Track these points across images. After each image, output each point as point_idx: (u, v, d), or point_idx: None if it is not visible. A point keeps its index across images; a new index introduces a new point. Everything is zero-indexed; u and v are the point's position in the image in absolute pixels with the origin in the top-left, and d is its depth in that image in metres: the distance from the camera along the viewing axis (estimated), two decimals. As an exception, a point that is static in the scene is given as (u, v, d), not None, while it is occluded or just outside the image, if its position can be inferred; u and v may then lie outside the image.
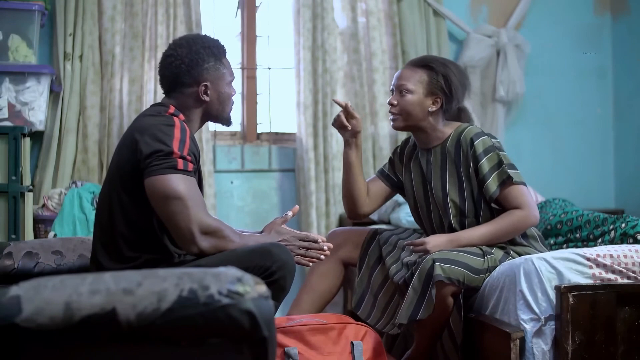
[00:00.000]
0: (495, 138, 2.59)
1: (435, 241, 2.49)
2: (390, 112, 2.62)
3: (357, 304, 2.73)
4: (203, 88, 2.19)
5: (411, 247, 2.52)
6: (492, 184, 2.50)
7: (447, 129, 2.61)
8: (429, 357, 2.53)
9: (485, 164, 2.50)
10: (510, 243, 2.58)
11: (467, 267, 2.39)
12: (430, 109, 2.57)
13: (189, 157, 2.05)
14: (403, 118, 2.59)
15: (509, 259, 2.50)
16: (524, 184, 2.54)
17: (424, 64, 2.60)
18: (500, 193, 2.50)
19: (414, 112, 2.57)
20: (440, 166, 2.60)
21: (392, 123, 2.63)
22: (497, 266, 2.47)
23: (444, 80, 2.56)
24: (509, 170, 2.49)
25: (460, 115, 2.70)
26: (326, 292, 2.73)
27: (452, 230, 2.57)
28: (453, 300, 2.40)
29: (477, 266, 2.42)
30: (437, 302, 2.33)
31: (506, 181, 2.49)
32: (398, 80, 2.60)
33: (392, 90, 2.63)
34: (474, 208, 2.55)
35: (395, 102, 2.58)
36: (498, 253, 2.52)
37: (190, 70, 2.18)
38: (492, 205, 2.54)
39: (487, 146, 2.52)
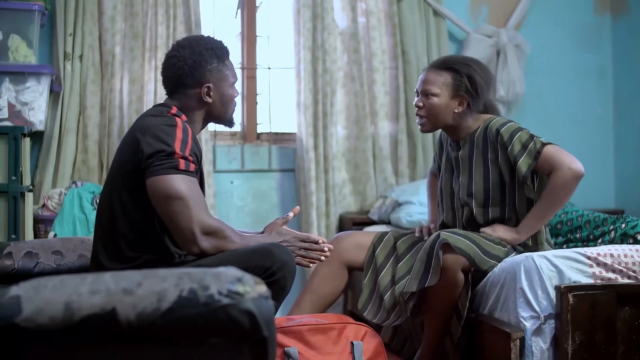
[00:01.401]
0: (517, 123, 2.60)
1: (501, 229, 2.55)
2: (417, 114, 2.66)
3: (364, 306, 2.69)
4: (205, 89, 2.19)
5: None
6: (524, 163, 2.50)
7: (477, 122, 2.64)
8: (439, 351, 2.51)
9: (516, 144, 2.51)
10: (522, 245, 2.60)
11: (477, 245, 2.41)
12: (456, 110, 2.60)
13: (190, 158, 2.05)
14: (430, 121, 2.63)
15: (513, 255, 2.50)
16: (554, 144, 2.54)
17: (448, 65, 2.62)
18: (537, 164, 2.50)
19: (440, 115, 2.61)
20: (468, 157, 2.63)
21: (420, 127, 2.68)
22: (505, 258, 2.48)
23: (468, 81, 2.58)
24: (538, 138, 2.51)
25: (487, 109, 2.71)
26: (328, 295, 2.71)
27: (473, 220, 2.60)
28: (463, 278, 2.40)
29: (489, 249, 2.44)
30: (445, 274, 2.34)
31: (540, 150, 2.49)
32: (423, 84, 2.63)
33: (417, 92, 2.66)
34: (499, 195, 2.57)
35: (422, 105, 2.62)
36: (510, 249, 2.54)
37: (193, 71, 2.18)
38: (526, 192, 2.55)
39: (513, 129, 2.54)
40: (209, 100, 2.20)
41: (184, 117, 2.17)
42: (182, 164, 2.02)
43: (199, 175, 2.15)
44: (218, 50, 2.22)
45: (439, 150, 2.84)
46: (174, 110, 2.17)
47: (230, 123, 2.31)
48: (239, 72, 3.92)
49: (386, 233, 2.81)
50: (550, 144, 2.51)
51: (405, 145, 3.99)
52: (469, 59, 2.71)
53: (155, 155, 2.01)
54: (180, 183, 2.00)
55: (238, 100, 2.34)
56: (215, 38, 2.27)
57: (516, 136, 2.52)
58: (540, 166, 2.51)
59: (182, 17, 3.73)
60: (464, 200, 2.62)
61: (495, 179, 2.57)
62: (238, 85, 2.36)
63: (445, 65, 2.63)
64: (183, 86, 2.19)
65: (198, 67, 2.18)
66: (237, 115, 2.34)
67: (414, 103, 2.68)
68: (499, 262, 2.47)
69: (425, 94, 2.61)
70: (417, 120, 2.67)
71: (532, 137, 2.52)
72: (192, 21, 3.72)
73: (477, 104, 2.62)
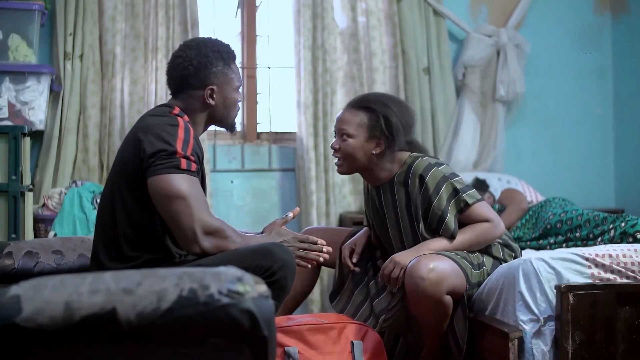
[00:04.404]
0: (442, 164, 2.50)
1: (399, 257, 2.43)
2: (334, 155, 2.55)
3: (332, 295, 2.68)
4: (209, 91, 2.19)
5: (384, 279, 2.45)
6: (450, 221, 2.43)
7: (395, 165, 2.53)
8: (442, 353, 2.51)
9: (443, 197, 2.43)
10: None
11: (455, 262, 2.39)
12: (373, 152, 2.48)
13: (192, 157, 2.05)
14: (348, 163, 2.51)
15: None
16: (482, 200, 2.48)
17: (364, 105, 2.50)
18: (461, 218, 2.45)
19: (356, 157, 2.49)
20: (391, 203, 2.54)
21: (337, 168, 2.56)
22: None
23: (384, 122, 2.46)
24: (463, 195, 2.43)
25: (411, 149, 2.59)
26: (299, 293, 2.68)
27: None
28: (450, 299, 2.38)
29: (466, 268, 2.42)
30: (429, 299, 2.31)
31: (464, 209, 2.44)
32: (339, 124, 2.52)
33: (335, 133, 2.55)
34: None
35: (337, 147, 2.51)
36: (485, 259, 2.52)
37: (198, 72, 2.17)
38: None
39: (439, 179, 2.44)
40: (212, 102, 2.20)
41: (186, 117, 2.17)
42: (183, 163, 2.02)
43: (201, 175, 2.15)
44: (224, 54, 2.22)
45: (364, 197, 2.72)
46: (177, 110, 2.17)
47: (232, 127, 2.31)
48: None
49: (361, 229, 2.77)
50: (477, 202, 2.44)
51: (405, 145, 3.99)
52: (389, 98, 2.58)
53: (157, 154, 2.01)
54: (181, 182, 2.00)
55: (238, 99, 2.33)
56: (223, 41, 2.27)
57: (442, 188, 2.43)
58: (466, 220, 2.45)
59: (179, 18, 3.73)
60: (399, 247, 2.53)
61: (421, 224, 2.47)
62: (237, 85, 2.36)
63: (361, 104, 2.51)
64: (187, 87, 2.19)
65: (203, 68, 2.17)
66: (238, 115, 2.33)
67: (330, 144, 2.57)
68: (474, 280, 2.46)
69: (340, 133, 2.50)
70: (335, 161, 2.56)
71: (456, 191, 2.43)
72: (189, 21, 3.71)
73: (393, 146, 2.48)
